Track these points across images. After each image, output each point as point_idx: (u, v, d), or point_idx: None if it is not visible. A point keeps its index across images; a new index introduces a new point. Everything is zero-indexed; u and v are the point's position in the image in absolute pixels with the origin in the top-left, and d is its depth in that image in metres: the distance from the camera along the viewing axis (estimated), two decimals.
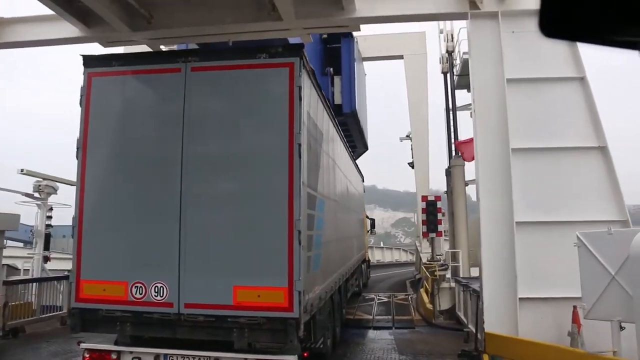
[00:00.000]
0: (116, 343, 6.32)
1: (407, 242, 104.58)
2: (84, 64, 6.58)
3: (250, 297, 5.80)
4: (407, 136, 25.38)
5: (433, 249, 17.88)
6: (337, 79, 19.36)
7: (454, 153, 24.01)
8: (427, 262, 17.51)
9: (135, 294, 6.06)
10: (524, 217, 8.58)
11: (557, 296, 8.23)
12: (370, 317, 13.86)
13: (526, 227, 8.56)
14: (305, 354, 6.31)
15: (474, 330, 10.65)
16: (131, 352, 6.16)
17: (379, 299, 16.51)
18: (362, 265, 18.18)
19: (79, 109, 6.54)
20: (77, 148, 6.50)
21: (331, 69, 19.28)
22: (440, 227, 17.22)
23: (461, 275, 19.17)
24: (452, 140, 25.86)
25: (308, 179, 6.27)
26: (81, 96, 6.53)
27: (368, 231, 20.67)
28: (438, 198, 17.66)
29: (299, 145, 5.96)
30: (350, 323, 12.63)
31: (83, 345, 6.21)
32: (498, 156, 8.98)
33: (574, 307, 7.85)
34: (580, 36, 1.05)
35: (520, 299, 8.36)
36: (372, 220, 22.80)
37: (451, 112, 25.66)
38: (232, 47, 7.47)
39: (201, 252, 6.00)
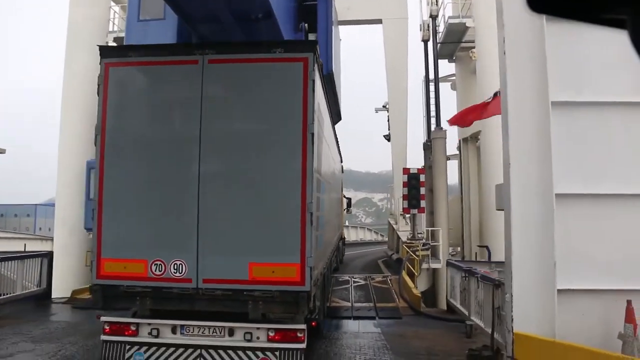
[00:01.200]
0: (134, 316, 6.65)
1: (368, 222, 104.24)
2: (100, 55, 6.72)
3: (265, 272, 6.24)
4: (383, 106, 23.47)
5: (414, 226, 16.13)
6: (311, 37, 17.32)
7: (434, 125, 22.36)
8: (408, 241, 15.75)
9: (155, 271, 6.36)
10: (566, 188, 6.75)
11: (606, 288, 6.50)
12: (349, 304, 11.97)
13: (569, 200, 6.73)
14: (313, 324, 7.23)
15: (480, 325, 8.91)
16: (149, 324, 6.49)
17: (355, 282, 14.67)
18: (339, 243, 17.96)
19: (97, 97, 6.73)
20: (96, 135, 6.64)
21: (305, 25, 17.03)
22: (423, 203, 15.44)
23: (440, 256, 17.70)
24: (432, 113, 24.25)
25: (317, 165, 6.61)
26: (99, 85, 6.69)
27: (344, 210, 20.10)
28: (421, 171, 15.88)
29: (312, 134, 6.30)
30: (328, 312, 10.73)
31: (103, 319, 6.55)
32: (534, 112, 7.08)
33: (629, 302, 6.19)
34: (568, 12, 1.04)
35: (559, 291, 6.57)
36: (349, 200, 22.57)
37: (432, 83, 23.97)
38: (249, 41, 7.31)
39: (218, 231, 6.36)
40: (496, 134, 19.45)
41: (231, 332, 6.42)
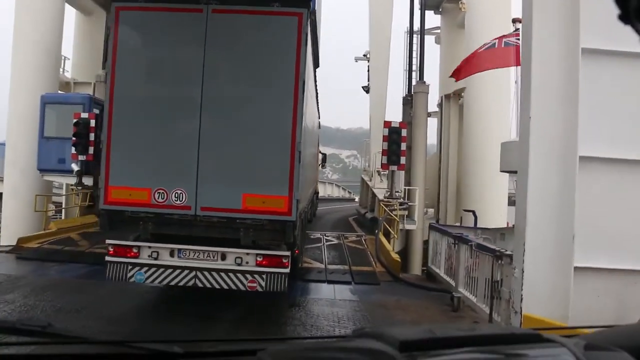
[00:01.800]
0: (136, 240, 7.15)
1: (334, 178, 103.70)
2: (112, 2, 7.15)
3: (256, 203, 6.86)
4: (364, 55, 22.10)
5: (392, 184, 15.21)
6: None
7: (416, 79, 21.21)
8: (385, 200, 14.85)
9: (158, 198, 6.91)
10: (592, 151, 5.79)
11: (629, 268, 5.68)
12: (322, 265, 11.03)
13: (594, 165, 5.79)
14: (297, 251, 8.27)
15: (470, 298, 8.10)
16: (149, 247, 7.04)
17: (327, 240, 13.74)
18: (314, 197, 17.95)
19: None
20: (106, 73, 7.45)
21: None
22: (403, 160, 14.47)
23: (416, 217, 16.96)
24: (414, 67, 23.06)
25: (306, 109, 7.31)
26: (108, 27, 7.76)
27: (319, 165, 20.01)
28: (403, 125, 14.80)
29: (303, 82, 6.91)
30: (299, 273, 9.80)
31: (108, 241, 7.10)
32: (561, 59, 6.01)
33: None
34: None
35: (576, 268, 5.72)
36: (324, 155, 22.90)
37: (416, 36, 22.65)
38: None
39: (216, 164, 6.98)
40: (481, 91, 18.54)
41: (223, 256, 7.06)
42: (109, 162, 7.05)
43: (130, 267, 7.03)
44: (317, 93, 12.17)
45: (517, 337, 1.17)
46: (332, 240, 13.90)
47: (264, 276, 6.91)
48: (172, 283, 7.08)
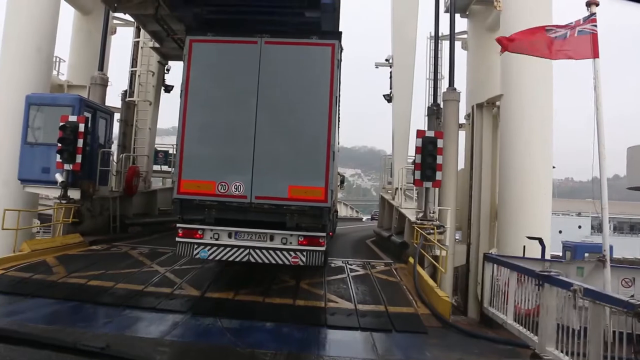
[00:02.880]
0: (200, 223, 9.02)
1: (339, 197, 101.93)
2: (186, 32, 9.71)
3: (299, 193, 8.85)
4: (386, 60, 20.12)
5: (426, 204, 13.05)
6: None
7: (444, 87, 19.15)
8: (419, 221, 12.70)
9: (220, 189, 8.92)
10: None
11: None
12: (351, 305, 8.81)
13: None
14: (331, 234, 11.53)
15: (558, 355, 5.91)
16: (212, 230, 9.02)
17: (351, 270, 11.54)
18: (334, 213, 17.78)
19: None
20: (181, 91, 9.26)
21: None
22: (439, 175, 12.39)
23: (447, 241, 14.75)
24: (439, 74, 21.07)
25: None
26: (184, 55, 9.38)
27: (338, 185, 19.88)
28: (439, 134, 12.76)
29: (336, 97, 9.10)
30: (322, 316, 7.77)
31: (178, 225, 9.08)
32: None
33: None
34: None
35: None
36: (343, 177, 23.89)
37: (443, 41, 20.71)
38: (294, 29, 9.57)
39: (267, 162, 8.93)
40: (523, 98, 16.48)
41: (272, 237, 8.94)
42: (182, 158, 9.03)
43: (196, 246, 8.94)
44: (339, 118, 12.20)
45: None
46: (357, 270, 11.71)
47: (305, 253, 8.86)
48: (230, 259, 8.93)
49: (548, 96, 15.94)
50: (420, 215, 13.04)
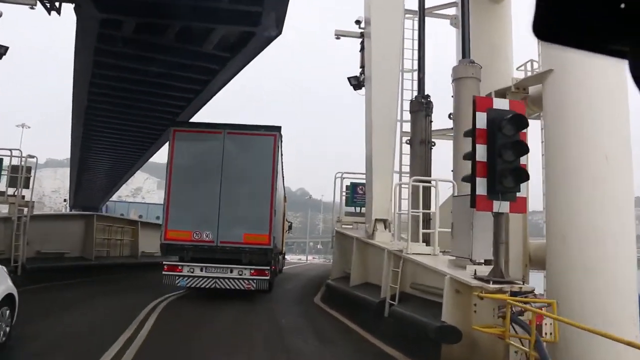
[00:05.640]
0: (180, 261, 12.49)
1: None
2: (171, 126, 13.52)
3: (251, 238, 12.39)
4: (356, 23, 13.96)
5: (498, 247, 6.67)
6: None
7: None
8: (491, 284, 6.28)
9: (195, 237, 12.36)
10: None
11: None
12: None
13: None
14: (273, 267, 14.34)
15: None
16: (188, 266, 12.27)
17: None
18: (280, 256, 21.00)
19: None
20: (166, 169, 12.76)
21: None
22: (524, 189, 6.17)
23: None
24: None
25: (277, 190, 13.09)
26: (169, 142, 13.00)
27: (286, 231, 24.03)
28: (521, 106, 6.62)
29: (277, 172, 12.80)
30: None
31: (164, 263, 12.64)
32: None
33: None
34: (574, 41, 1.07)
35: None
36: (290, 223, 28.27)
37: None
38: (249, 125, 13.21)
39: (229, 217, 12.41)
40: (592, 72, 10.65)
41: (231, 270, 12.30)
42: (168, 215, 12.53)
43: (177, 277, 12.28)
44: (283, 177, 17.50)
45: None
46: None
47: (255, 281, 12.33)
48: (201, 286, 12.35)
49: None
50: (492, 276, 6.56)
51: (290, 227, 28.09)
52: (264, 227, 12.41)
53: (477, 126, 6.50)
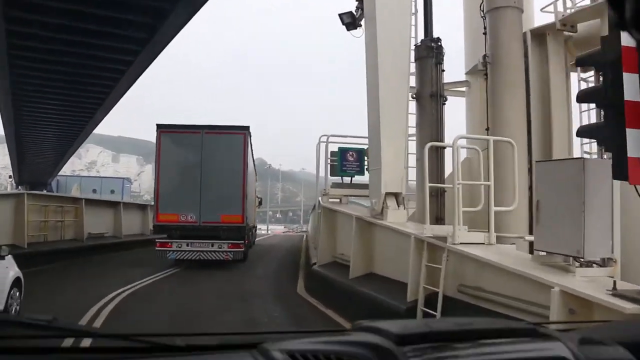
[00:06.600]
0: (169, 238, 14.71)
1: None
2: (157, 128, 15.10)
3: (227, 218, 14.66)
4: None
5: None
6: None
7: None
8: None
9: (181, 218, 14.56)
10: None
11: None
12: None
13: None
14: (247, 241, 16.41)
15: None
16: (176, 242, 14.49)
17: None
18: (253, 229, 23.43)
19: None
20: (155, 164, 15.38)
21: None
22: None
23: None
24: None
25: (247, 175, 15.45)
26: (156, 141, 14.99)
27: (257, 205, 26.30)
28: None
29: (247, 164, 15.25)
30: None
31: (157, 240, 15.00)
32: None
33: None
34: None
35: None
36: (260, 199, 30.92)
37: None
38: (223, 125, 15.87)
39: (209, 202, 14.58)
40: None
41: (212, 244, 14.47)
42: (157, 201, 14.93)
43: (168, 252, 14.41)
44: (254, 164, 21.22)
45: (515, 331, 1.26)
46: None
47: (231, 253, 14.52)
48: (188, 258, 14.49)
49: None
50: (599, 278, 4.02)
51: (260, 203, 30.73)
52: (238, 208, 14.90)
53: (623, 43, 3.81)
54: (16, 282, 7.67)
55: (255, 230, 27.25)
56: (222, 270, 14.31)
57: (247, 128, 15.42)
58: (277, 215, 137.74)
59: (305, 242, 26.70)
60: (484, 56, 9.66)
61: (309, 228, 45.79)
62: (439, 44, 11.40)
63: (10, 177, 67.87)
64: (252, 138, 16.15)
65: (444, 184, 10.39)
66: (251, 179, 17.83)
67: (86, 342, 1.75)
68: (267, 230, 56.10)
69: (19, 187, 49.66)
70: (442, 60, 11.46)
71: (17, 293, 7.69)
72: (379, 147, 9.12)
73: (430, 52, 11.22)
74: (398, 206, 8.98)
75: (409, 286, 7.15)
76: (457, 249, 6.37)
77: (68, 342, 2.12)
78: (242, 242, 15.00)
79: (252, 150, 17.04)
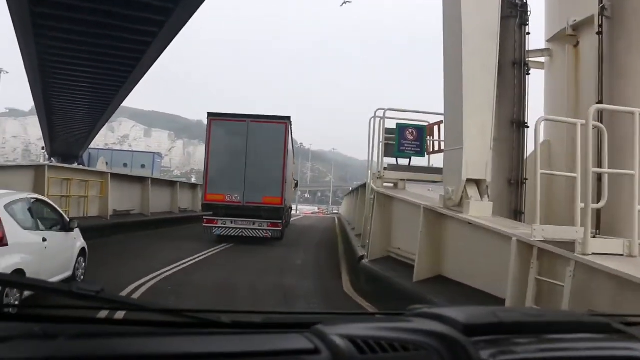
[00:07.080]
0: (215, 216, 16.18)
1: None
2: (208, 116, 16.79)
3: (268, 200, 16.08)
4: None
5: None
6: None
7: None
8: None
9: (227, 198, 16.06)
10: None
11: None
12: None
13: None
14: (284, 220, 18.00)
15: None
16: (222, 220, 16.03)
17: None
18: (290, 210, 25.93)
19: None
20: (206, 147, 16.88)
21: None
22: None
23: None
24: None
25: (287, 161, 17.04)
26: (207, 128, 16.76)
27: (294, 188, 28.50)
28: None
29: (287, 150, 16.70)
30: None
31: (204, 217, 16.53)
32: None
33: None
34: None
35: None
36: (297, 181, 32.21)
37: None
38: (267, 115, 17.48)
39: (252, 184, 15.97)
40: None
41: (254, 223, 16.02)
42: (207, 183, 16.49)
43: (214, 228, 16.04)
44: (293, 149, 22.07)
45: (586, 326, 1.17)
46: None
47: (270, 231, 16.09)
48: (232, 234, 15.87)
49: None
50: None
51: (296, 185, 32.59)
52: (278, 191, 16.30)
53: None
54: (82, 252, 8.67)
55: (291, 210, 29.35)
56: (258, 256, 13.77)
57: (288, 118, 17.07)
58: (306, 195, 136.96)
59: (339, 227, 25.13)
60: (602, 6, 7.63)
61: (340, 211, 43.94)
62: (525, 1, 9.54)
63: (43, 148, 68.08)
64: (292, 127, 17.86)
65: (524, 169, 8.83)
66: (290, 164, 18.97)
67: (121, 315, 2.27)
68: (297, 210, 54.73)
69: (52, 159, 49.35)
70: (528, 21, 9.60)
71: (83, 261, 8.72)
72: (460, 121, 7.30)
73: (514, 10, 9.34)
74: (481, 197, 7.20)
75: (507, 303, 5.45)
76: (590, 261, 4.61)
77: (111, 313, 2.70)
78: (280, 221, 16.49)
79: (292, 137, 19.01)
